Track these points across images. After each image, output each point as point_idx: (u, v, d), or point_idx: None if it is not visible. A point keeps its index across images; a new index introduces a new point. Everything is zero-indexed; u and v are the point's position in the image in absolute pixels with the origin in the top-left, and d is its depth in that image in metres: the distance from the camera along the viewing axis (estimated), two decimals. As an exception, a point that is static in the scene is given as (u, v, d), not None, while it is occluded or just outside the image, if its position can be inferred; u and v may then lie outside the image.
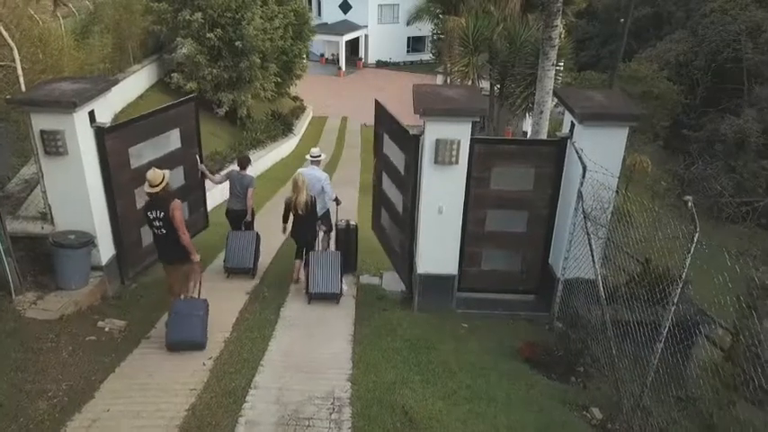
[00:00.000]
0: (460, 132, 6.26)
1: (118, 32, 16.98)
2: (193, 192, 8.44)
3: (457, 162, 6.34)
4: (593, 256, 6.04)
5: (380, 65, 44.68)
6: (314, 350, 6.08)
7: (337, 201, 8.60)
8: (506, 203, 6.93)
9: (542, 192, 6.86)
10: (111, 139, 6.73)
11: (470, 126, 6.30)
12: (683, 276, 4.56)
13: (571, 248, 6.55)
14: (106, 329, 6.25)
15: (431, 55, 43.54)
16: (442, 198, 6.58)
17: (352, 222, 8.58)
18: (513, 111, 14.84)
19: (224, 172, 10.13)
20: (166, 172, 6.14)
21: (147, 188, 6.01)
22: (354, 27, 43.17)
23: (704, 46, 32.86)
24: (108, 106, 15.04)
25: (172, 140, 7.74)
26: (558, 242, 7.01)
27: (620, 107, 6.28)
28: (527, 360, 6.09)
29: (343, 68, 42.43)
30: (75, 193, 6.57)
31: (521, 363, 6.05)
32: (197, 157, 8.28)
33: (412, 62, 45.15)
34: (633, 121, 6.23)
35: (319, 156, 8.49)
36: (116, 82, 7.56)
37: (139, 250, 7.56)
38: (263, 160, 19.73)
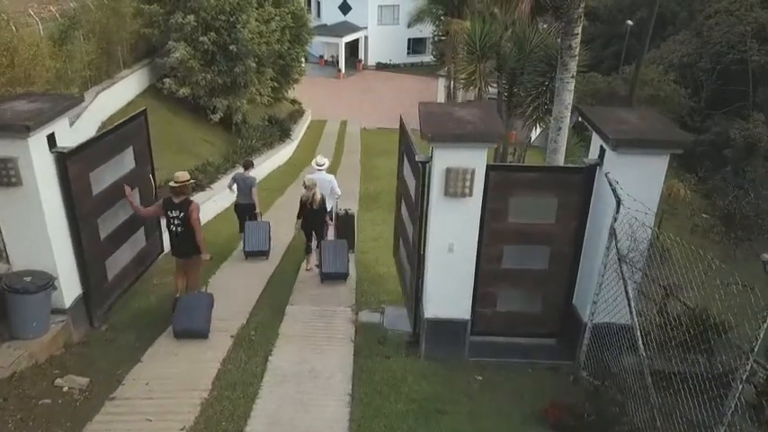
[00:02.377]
0: (475, 160, 5.42)
1: (105, 37, 16.13)
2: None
3: (470, 194, 5.50)
4: (630, 306, 5.21)
5: (380, 67, 43.86)
6: (305, 415, 5.23)
7: (338, 197, 10.19)
8: (526, 238, 6.08)
9: (566, 225, 6.02)
10: (74, 165, 5.89)
11: (486, 153, 5.47)
12: (755, 350, 3.72)
13: (601, 291, 5.71)
14: (65, 389, 5.39)
15: (432, 57, 42.80)
16: (452, 234, 5.73)
17: (351, 211, 10.45)
18: (523, 121, 13.99)
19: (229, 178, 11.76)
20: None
21: (172, 183, 6.81)
22: (354, 28, 42.35)
23: (709, 47, 32.10)
24: (98, 111, 14.58)
25: (127, 160, 7.00)
26: (583, 281, 6.17)
27: (661, 132, 5.43)
28: (553, 426, 5.24)
29: (343, 70, 41.64)
30: (33, 229, 5.72)
31: (545, 429, 5.20)
32: (151, 176, 7.52)
33: (412, 64, 44.35)
34: (676, 149, 5.39)
35: (324, 164, 9.80)
36: (81, 100, 6.71)
37: (106, 285, 6.73)
38: (258, 169, 18.73)
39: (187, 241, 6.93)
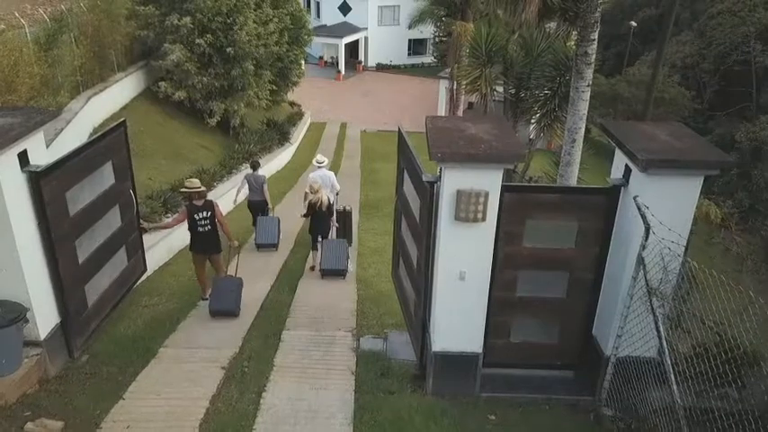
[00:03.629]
0: (489, 182, 4.91)
1: (98, 39, 15.62)
2: (130, 233, 7.17)
3: (483, 219, 4.99)
4: (661, 343, 4.72)
5: (381, 68, 43.44)
6: (301, 467, 4.74)
7: (337, 193, 11.26)
8: (542, 264, 5.57)
9: (587, 250, 5.51)
10: (48, 184, 5.39)
11: (502, 174, 4.96)
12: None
13: (626, 324, 5.21)
14: (36, 435, 4.90)
15: (432, 58, 42.35)
16: (463, 261, 5.23)
17: (348, 207, 11.40)
18: (531, 127, 13.46)
19: (240, 179, 12.44)
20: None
21: (191, 188, 7.64)
22: (354, 29, 41.88)
23: (712, 48, 31.65)
24: (90, 116, 14.07)
25: (106, 176, 6.51)
26: (605, 311, 5.67)
27: (695, 151, 4.92)
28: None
29: (343, 71, 41.16)
30: (2, 256, 5.22)
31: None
32: (131, 192, 7.03)
33: (413, 65, 43.93)
34: (713, 170, 4.88)
35: (323, 162, 10.98)
36: (57, 113, 6.21)
37: (87, 312, 6.22)
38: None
39: (213, 237, 7.75)
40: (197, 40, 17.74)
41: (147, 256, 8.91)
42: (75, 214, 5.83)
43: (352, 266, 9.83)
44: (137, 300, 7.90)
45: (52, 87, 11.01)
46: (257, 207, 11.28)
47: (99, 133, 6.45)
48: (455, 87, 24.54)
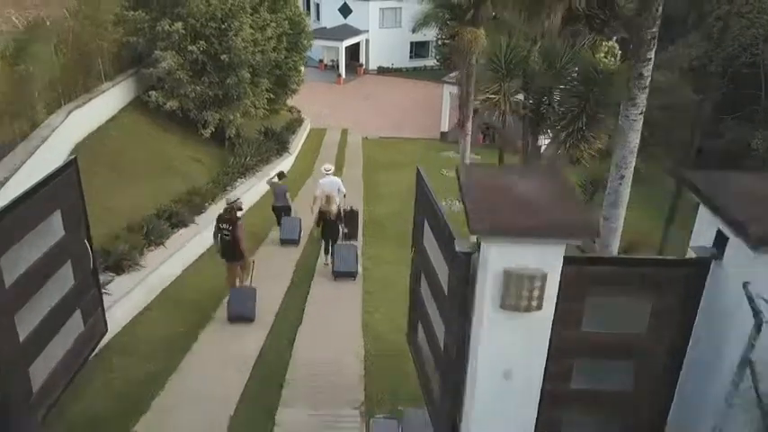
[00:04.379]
0: (548, 261, 3.74)
1: (80, 47, 14.45)
2: (86, 291, 5.81)
3: (539, 307, 3.82)
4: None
5: (382, 71, 42.34)
6: None
7: (344, 195, 12.93)
8: (604, 351, 4.42)
9: (661, 336, 4.35)
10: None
11: (563, 250, 3.79)
12: None
13: (719, 436, 4.05)
14: None
15: (435, 61, 41.21)
16: (510, 358, 4.06)
17: (354, 207, 13.42)
18: (555, 147, 12.28)
19: (269, 181, 14.99)
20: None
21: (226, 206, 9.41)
22: (355, 32, 40.77)
23: (720, 51, 30.62)
24: (71, 132, 12.87)
25: (54, 228, 5.15)
26: (683, 411, 4.51)
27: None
28: None
29: (343, 75, 40.05)
30: None
31: None
32: (87, 243, 5.68)
33: (415, 68, 42.84)
34: None
35: (330, 169, 13.06)
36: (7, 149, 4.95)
37: (32, 399, 5.01)
38: (251, 193, 16.84)
39: (232, 248, 9.11)
40: (189, 47, 16.63)
41: (121, 303, 7.81)
42: (13, 283, 4.61)
43: (360, 268, 11.32)
44: (105, 362, 6.76)
45: (22, 105, 9.81)
46: (280, 210, 13.83)
47: (42, 177, 5.16)
48: (465, 93, 23.23)
